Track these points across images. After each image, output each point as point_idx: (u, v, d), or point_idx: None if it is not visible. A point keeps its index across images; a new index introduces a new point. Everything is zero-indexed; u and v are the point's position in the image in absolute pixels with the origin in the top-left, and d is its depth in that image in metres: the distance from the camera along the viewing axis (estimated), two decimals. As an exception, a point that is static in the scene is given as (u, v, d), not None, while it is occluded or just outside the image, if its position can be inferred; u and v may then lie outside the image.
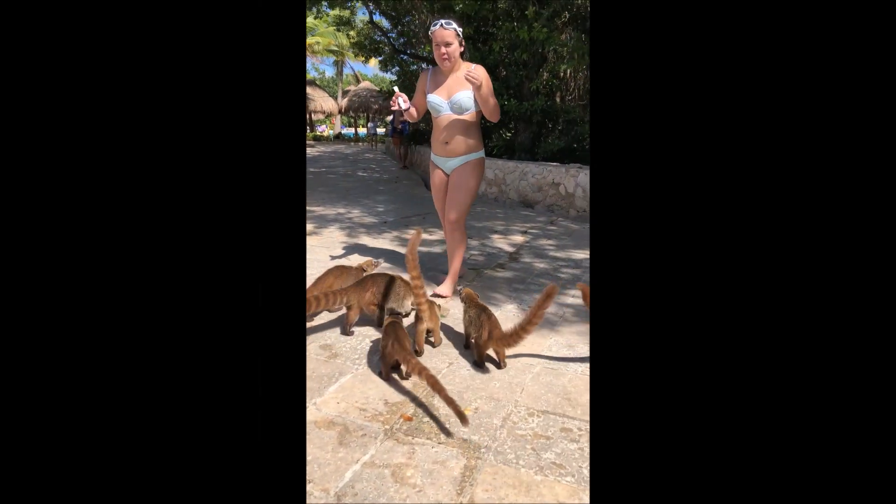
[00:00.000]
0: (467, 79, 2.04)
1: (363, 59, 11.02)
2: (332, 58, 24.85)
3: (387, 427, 1.33)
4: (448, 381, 1.58)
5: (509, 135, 6.68)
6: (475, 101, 2.19)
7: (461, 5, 5.79)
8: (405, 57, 9.54)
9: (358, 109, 21.05)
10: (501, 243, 3.54)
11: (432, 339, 1.86)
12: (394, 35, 9.70)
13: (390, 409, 1.42)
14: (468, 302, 1.83)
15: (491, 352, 1.71)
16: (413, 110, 2.28)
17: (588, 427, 1.35)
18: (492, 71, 6.07)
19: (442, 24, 2.13)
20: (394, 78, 10.16)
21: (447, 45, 2.14)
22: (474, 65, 2.11)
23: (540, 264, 3.00)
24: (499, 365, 1.68)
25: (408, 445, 1.25)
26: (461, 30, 2.21)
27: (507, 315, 2.15)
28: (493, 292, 2.46)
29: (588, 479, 1.15)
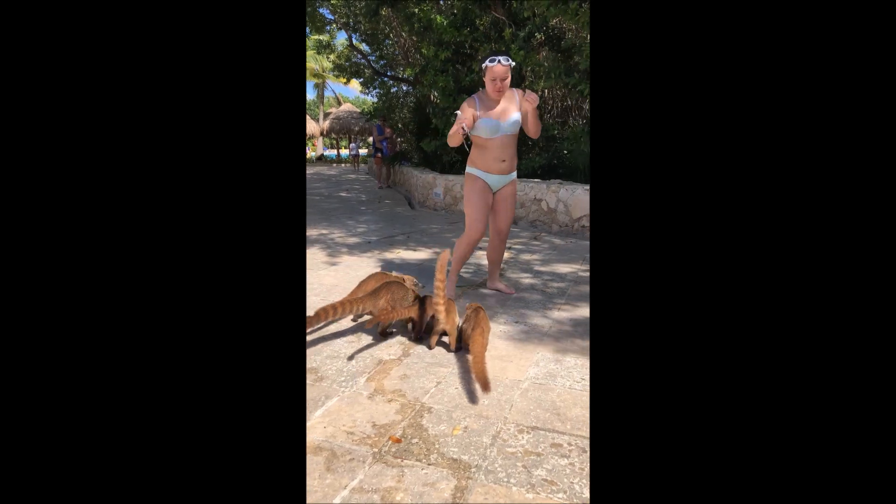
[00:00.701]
0: (528, 101, 2.34)
1: (344, 80, 11.12)
2: (313, 81, 25.02)
3: (375, 450, 1.30)
4: (436, 400, 1.56)
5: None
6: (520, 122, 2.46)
7: (444, 34, 5.91)
8: (386, 78, 9.65)
9: (340, 131, 21.15)
10: (483, 259, 3.55)
11: (447, 341, 1.99)
12: (374, 58, 9.83)
13: (378, 431, 1.40)
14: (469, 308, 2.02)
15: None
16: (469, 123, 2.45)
17: (578, 442, 1.35)
18: (471, 91, 6.17)
19: (500, 61, 2.31)
20: (374, 99, 10.27)
21: (503, 79, 2.33)
22: (519, 90, 2.44)
23: (527, 279, 3.01)
24: (486, 386, 1.67)
25: (397, 468, 1.23)
26: (513, 63, 2.44)
27: (500, 327, 2.15)
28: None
29: (579, 494, 1.14)
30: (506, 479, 1.19)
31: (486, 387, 1.56)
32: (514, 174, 2.56)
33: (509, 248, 3.87)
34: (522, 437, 1.37)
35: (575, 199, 4.50)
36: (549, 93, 6.70)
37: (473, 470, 1.23)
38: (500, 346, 1.99)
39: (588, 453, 1.30)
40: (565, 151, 5.62)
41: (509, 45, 5.37)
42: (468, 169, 2.55)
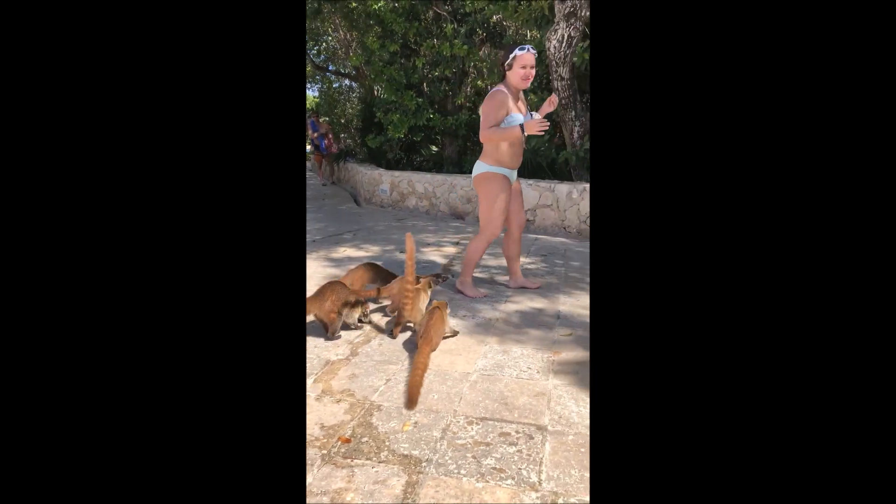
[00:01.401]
0: (550, 103, 2.45)
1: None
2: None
3: (324, 452, 1.28)
4: (386, 397, 1.56)
5: (436, 149, 6.79)
6: None
7: (394, 24, 5.83)
8: (329, 73, 9.42)
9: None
10: (434, 255, 3.57)
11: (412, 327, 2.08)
12: (314, 52, 9.58)
13: (327, 432, 1.37)
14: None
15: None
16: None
17: (525, 429, 1.39)
18: (416, 87, 6.16)
19: (529, 49, 2.33)
20: (315, 94, 10.01)
21: (533, 67, 2.35)
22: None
23: (475, 273, 3.05)
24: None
25: (347, 469, 1.22)
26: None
27: (450, 321, 2.17)
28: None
29: (527, 479, 1.18)
30: (456, 471, 1.21)
31: (409, 403, 1.50)
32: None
33: (457, 244, 3.91)
34: (472, 429, 1.39)
35: (519, 193, 4.61)
36: (491, 88, 6.80)
37: (424, 464, 1.23)
38: (449, 340, 2.01)
39: (534, 439, 1.34)
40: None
41: (451, 40, 5.40)
42: (489, 168, 2.47)
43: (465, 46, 5.27)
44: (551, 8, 4.46)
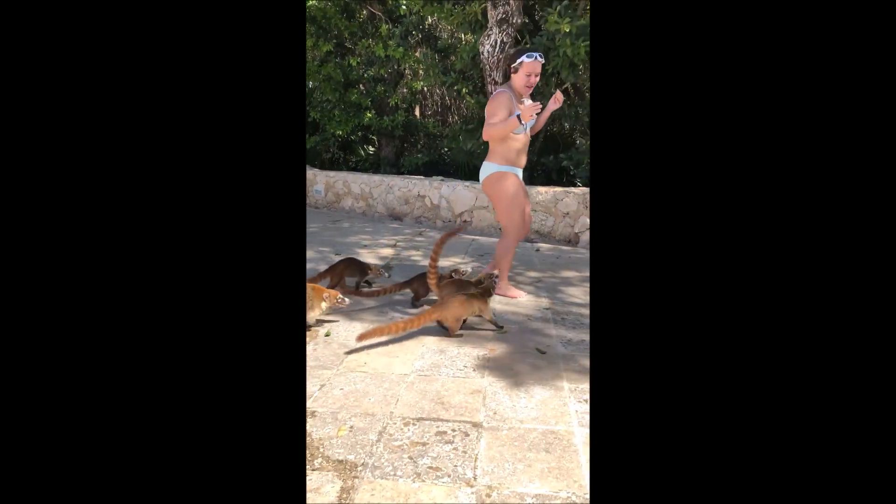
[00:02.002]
0: (556, 101, 2.43)
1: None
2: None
3: (254, 463, 1.23)
4: (320, 403, 1.52)
5: (372, 150, 6.72)
6: None
7: (337, 21, 5.68)
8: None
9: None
10: (369, 257, 3.53)
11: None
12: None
13: (257, 443, 1.32)
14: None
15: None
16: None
17: (461, 427, 1.41)
18: (353, 86, 6.06)
19: (536, 57, 2.34)
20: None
21: (538, 75, 2.38)
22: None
23: (373, 279, 3.05)
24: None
25: (278, 478, 1.18)
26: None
27: (374, 323, 2.15)
28: (365, 302, 2.43)
29: (462, 475, 1.20)
30: (392, 473, 1.20)
31: (359, 337, 1.89)
32: None
33: (394, 245, 3.89)
34: (408, 430, 1.39)
35: (456, 195, 4.66)
36: (427, 90, 6.83)
37: (360, 468, 1.22)
38: (385, 344, 2.00)
39: (470, 436, 1.36)
40: (446, 149, 5.78)
41: (386, 41, 5.37)
42: (499, 167, 2.48)
43: (401, 48, 5.26)
44: (485, 13, 4.56)
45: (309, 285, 2.10)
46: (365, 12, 6.10)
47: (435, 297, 2.34)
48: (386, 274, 2.73)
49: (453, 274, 2.42)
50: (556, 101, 2.46)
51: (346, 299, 2.14)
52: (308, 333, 2.09)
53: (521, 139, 2.50)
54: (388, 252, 3.69)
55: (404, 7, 5.06)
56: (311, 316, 2.08)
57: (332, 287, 2.43)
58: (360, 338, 1.88)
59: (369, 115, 5.81)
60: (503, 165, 2.50)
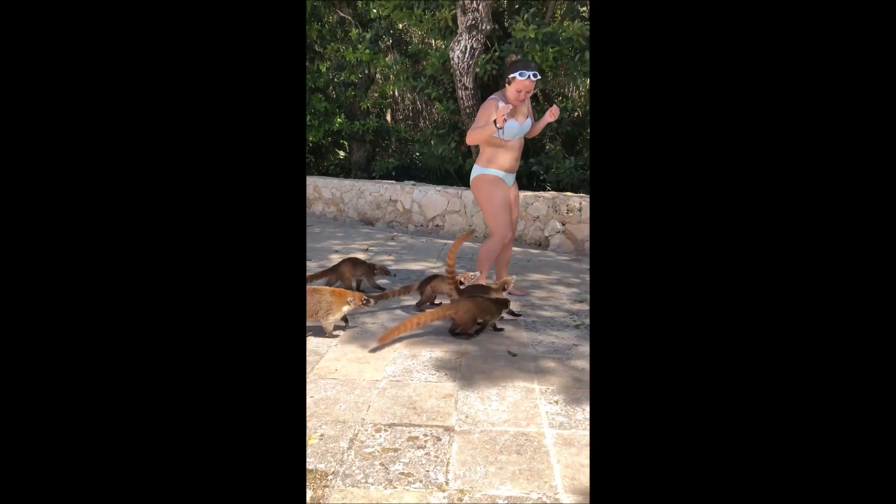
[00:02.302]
0: (552, 113, 2.49)
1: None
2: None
3: (220, 476, 1.20)
4: (290, 412, 1.50)
5: (343, 154, 6.66)
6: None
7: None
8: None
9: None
10: (342, 263, 3.49)
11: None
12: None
13: (224, 454, 1.29)
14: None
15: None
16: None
17: (432, 432, 1.41)
18: (323, 90, 6.00)
19: (530, 76, 2.37)
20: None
21: (528, 92, 2.43)
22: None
23: (378, 279, 3.03)
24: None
25: (246, 490, 1.15)
26: (539, 77, 2.47)
27: (353, 330, 2.13)
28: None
29: (434, 480, 1.20)
30: (364, 481, 1.19)
31: (379, 339, 1.98)
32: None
33: (366, 250, 3.87)
34: (380, 436, 1.38)
35: (428, 199, 4.67)
36: (398, 95, 6.82)
37: (331, 477, 1.20)
38: (356, 350, 1.98)
39: (442, 440, 1.36)
40: (417, 153, 5.79)
41: (356, 45, 5.34)
42: (486, 170, 2.56)
43: (369, 51, 5.24)
44: (454, 19, 4.59)
45: (329, 290, 2.10)
46: (334, 16, 6.06)
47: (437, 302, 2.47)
48: (393, 275, 2.78)
49: (462, 280, 2.43)
50: (552, 114, 2.53)
51: (371, 300, 2.13)
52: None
53: (511, 146, 2.55)
54: (360, 257, 3.66)
55: (374, 11, 5.04)
56: (332, 320, 2.08)
57: (329, 285, 2.46)
58: (380, 340, 1.98)
59: (339, 119, 5.77)
60: (486, 168, 2.57)
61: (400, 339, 2.09)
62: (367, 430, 1.41)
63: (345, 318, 2.14)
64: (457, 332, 2.11)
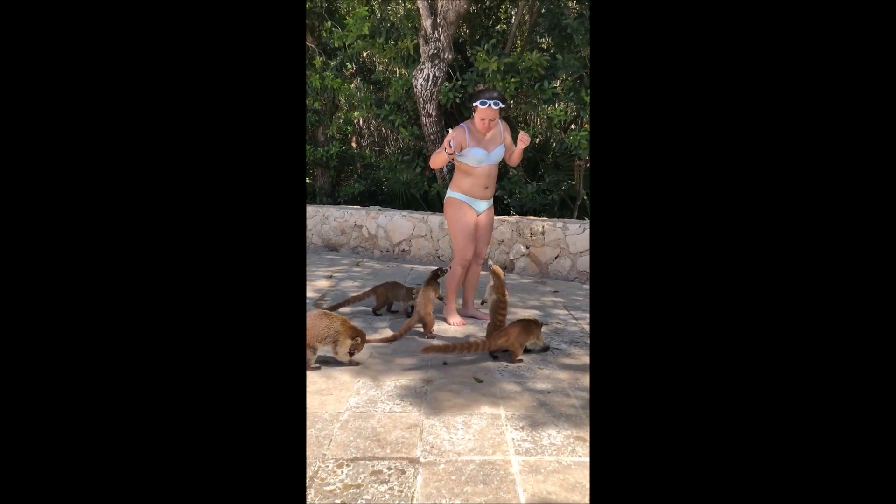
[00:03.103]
0: (522, 141, 2.49)
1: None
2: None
3: (168, 524, 1.12)
4: (246, 450, 1.43)
5: (308, 180, 6.60)
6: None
7: None
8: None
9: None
10: (306, 290, 3.41)
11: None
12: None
13: (173, 500, 1.21)
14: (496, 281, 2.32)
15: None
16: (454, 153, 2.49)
17: (397, 464, 1.37)
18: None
19: (490, 105, 2.43)
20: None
21: (492, 120, 2.48)
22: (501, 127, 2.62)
23: (343, 308, 2.98)
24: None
25: (196, 539, 1.07)
26: (502, 106, 2.50)
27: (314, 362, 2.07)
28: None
29: (399, 517, 1.15)
30: (324, 521, 1.14)
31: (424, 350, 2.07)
32: (491, 200, 2.75)
33: (330, 277, 3.80)
34: (341, 472, 1.33)
35: (394, 224, 4.66)
36: (363, 122, 6.86)
37: (288, 519, 1.14)
38: (318, 381, 1.92)
39: (406, 473, 1.32)
40: (383, 179, 5.79)
41: (322, 73, 5.36)
42: (453, 194, 2.66)
43: (337, 79, 5.28)
44: (417, 48, 4.69)
45: (340, 319, 2.04)
46: (298, 44, 6.08)
47: (395, 310, 2.75)
48: (439, 298, 2.72)
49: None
50: (523, 141, 2.57)
51: (357, 351, 2.08)
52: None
53: (477, 172, 2.61)
54: (324, 284, 3.59)
55: (338, 41, 5.09)
56: (342, 351, 2.03)
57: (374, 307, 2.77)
58: (425, 350, 2.06)
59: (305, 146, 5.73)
60: (458, 193, 2.68)
61: (366, 368, 2.05)
62: (327, 467, 1.35)
63: (350, 352, 2.06)
64: (496, 356, 2.17)
